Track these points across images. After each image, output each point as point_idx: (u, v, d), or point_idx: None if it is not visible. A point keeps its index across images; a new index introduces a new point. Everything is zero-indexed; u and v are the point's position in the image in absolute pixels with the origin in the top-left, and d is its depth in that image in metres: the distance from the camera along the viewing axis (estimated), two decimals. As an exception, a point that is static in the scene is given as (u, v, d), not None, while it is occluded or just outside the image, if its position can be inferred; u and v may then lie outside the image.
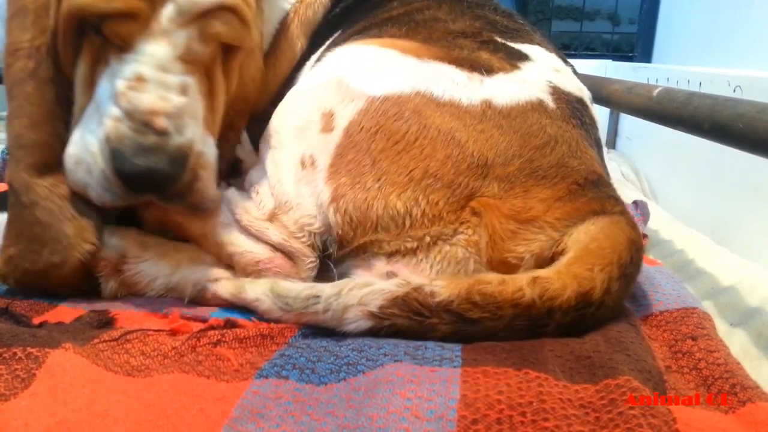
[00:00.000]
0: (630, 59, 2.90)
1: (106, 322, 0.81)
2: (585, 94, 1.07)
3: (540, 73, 1.00)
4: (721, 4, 2.09)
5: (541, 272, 0.77)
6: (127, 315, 0.84)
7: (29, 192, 0.85)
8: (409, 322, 0.75)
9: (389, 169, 0.85)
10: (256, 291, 0.83)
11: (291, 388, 0.63)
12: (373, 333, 0.75)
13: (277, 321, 0.81)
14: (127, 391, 0.63)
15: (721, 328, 0.94)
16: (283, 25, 1.22)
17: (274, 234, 0.90)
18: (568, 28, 3.21)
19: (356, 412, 0.59)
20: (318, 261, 0.91)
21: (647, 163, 2.17)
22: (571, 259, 0.79)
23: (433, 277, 0.82)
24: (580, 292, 0.76)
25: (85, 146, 0.83)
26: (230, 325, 0.79)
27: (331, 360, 0.68)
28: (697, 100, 1.05)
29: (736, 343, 0.93)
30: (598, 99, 1.60)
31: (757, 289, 1.08)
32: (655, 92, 1.23)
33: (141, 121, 0.79)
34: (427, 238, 0.85)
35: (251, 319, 0.82)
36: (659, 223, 1.53)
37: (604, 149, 2.59)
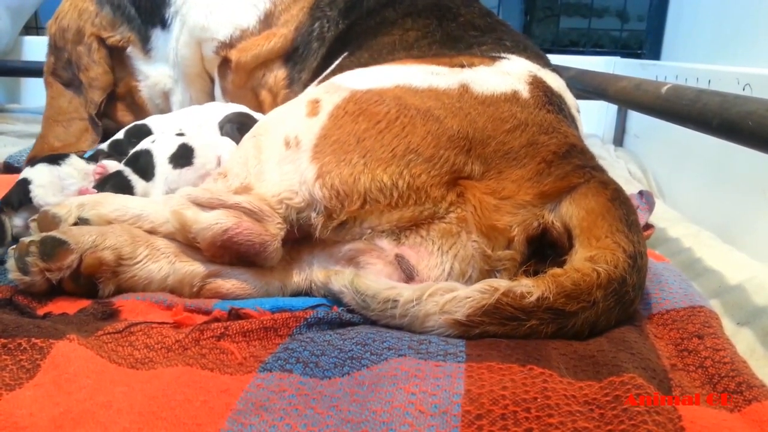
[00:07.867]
0: (638, 56, 2.88)
1: (110, 314, 0.81)
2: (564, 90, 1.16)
3: (521, 65, 1.08)
4: (730, 2, 2.07)
5: (583, 254, 0.80)
6: (130, 306, 0.84)
7: None
8: (502, 329, 0.74)
9: (373, 147, 0.89)
10: (339, 282, 0.82)
11: (295, 382, 0.63)
12: (458, 337, 0.74)
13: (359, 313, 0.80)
14: (130, 383, 0.63)
15: (728, 326, 0.94)
16: None
17: (240, 198, 0.88)
18: (576, 24, 3.19)
19: (360, 406, 0.59)
20: (285, 227, 0.89)
21: (655, 160, 2.16)
22: (584, 241, 0.82)
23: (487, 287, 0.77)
24: (624, 253, 0.79)
25: None
26: (234, 315, 0.79)
27: (335, 354, 0.68)
28: (706, 98, 1.04)
29: (743, 341, 0.93)
30: (606, 96, 1.59)
31: (764, 288, 1.07)
32: (664, 89, 1.22)
33: None
34: (426, 213, 0.87)
35: (255, 308, 0.82)
36: (666, 221, 1.52)
37: (611, 147, 2.57)
